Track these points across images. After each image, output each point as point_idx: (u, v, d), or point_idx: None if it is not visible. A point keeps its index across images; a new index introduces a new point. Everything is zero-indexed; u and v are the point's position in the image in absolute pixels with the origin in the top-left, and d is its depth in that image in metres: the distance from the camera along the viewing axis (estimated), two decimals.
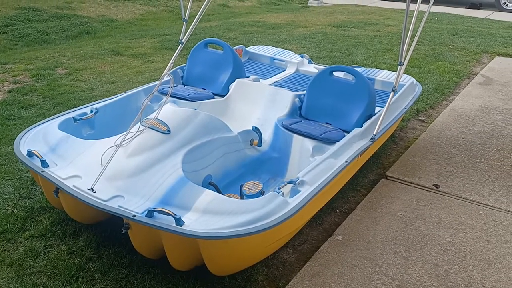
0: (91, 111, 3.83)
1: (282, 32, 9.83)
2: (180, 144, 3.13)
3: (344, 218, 3.61)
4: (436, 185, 4.02)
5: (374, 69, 5.22)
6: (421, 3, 3.76)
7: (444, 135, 5.06)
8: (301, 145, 3.69)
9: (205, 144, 3.29)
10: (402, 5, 14.67)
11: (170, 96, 4.34)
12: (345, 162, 3.29)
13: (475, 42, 9.25)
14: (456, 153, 4.64)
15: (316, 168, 3.12)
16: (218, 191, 3.24)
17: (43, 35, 9.32)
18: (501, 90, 6.55)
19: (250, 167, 3.70)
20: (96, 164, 2.98)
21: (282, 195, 2.78)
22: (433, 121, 5.46)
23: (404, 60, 3.83)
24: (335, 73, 4.11)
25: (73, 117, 3.67)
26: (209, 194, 2.72)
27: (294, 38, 9.18)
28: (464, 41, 9.27)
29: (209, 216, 2.60)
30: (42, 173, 2.94)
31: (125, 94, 4.20)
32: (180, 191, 2.75)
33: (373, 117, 3.86)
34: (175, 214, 2.50)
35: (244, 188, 3.02)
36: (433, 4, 4.18)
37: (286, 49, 5.94)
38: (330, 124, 3.98)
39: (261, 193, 3.01)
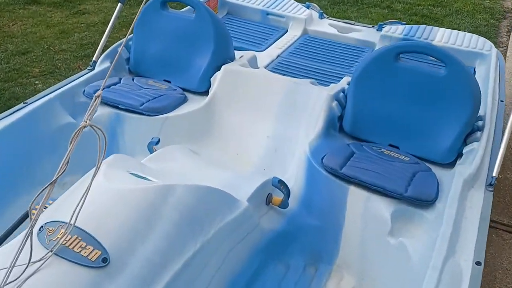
0: None
1: None
2: (138, 283, 1.37)
3: None
4: None
5: (421, 25, 3.45)
6: None
7: None
8: (365, 208, 1.98)
9: (195, 258, 1.54)
10: None
11: (108, 104, 2.48)
12: (478, 264, 1.64)
13: None
14: None
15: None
16: None
17: None
18: None
19: (270, 250, 2.00)
20: None
21: None
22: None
23: None
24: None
25: None
26: None
27: None
28: None
29: None
30: None
31: (26, 110, 2.30)
32: None
33: (483, 136, 2.17)
34: None
35: None
36: None
37: None
38: (398, 148, 2.29)
39: None
